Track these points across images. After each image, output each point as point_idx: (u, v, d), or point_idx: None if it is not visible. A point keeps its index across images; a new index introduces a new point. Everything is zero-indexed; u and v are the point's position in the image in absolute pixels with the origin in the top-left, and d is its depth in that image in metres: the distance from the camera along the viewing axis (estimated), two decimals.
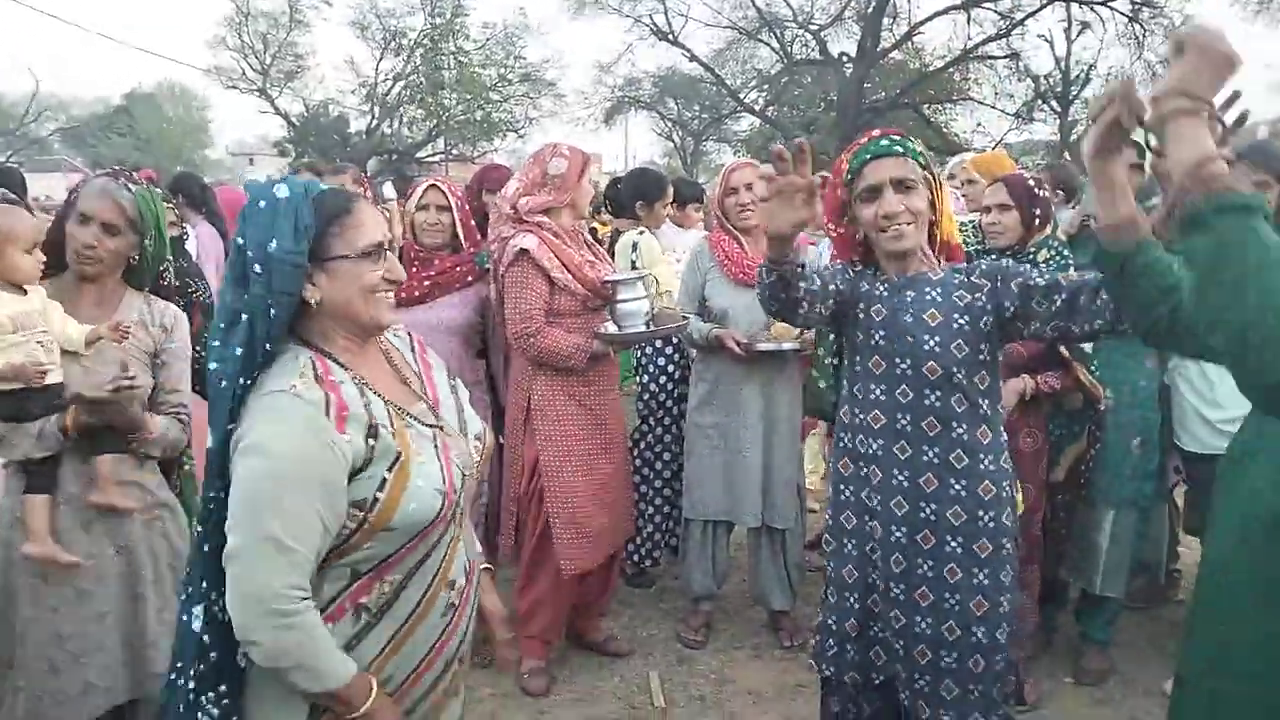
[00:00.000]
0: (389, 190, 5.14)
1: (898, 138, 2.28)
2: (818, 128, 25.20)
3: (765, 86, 27.90)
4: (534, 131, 29.72)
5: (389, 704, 1.64)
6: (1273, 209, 2.98)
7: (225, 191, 6.47)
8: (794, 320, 2.29)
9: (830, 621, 2.38)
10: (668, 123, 31.15)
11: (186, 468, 2.76)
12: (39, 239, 2.38)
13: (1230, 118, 1.54)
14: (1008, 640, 2.23)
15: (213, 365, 1.56)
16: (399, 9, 28.29)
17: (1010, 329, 2.21)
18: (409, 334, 1.93)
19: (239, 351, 1.54)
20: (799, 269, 2.11)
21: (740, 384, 3.64)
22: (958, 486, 2.20)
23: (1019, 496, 2.40)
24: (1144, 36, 23.01)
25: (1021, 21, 23.81)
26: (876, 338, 2.25)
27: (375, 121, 29.24)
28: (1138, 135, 1.52)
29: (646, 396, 4.26)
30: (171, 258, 2.69)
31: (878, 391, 2.25)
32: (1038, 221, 3.32)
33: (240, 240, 1.56)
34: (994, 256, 3.33)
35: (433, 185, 3.62)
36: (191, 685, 1.58)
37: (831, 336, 2.50)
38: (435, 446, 1.69)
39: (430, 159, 30.21)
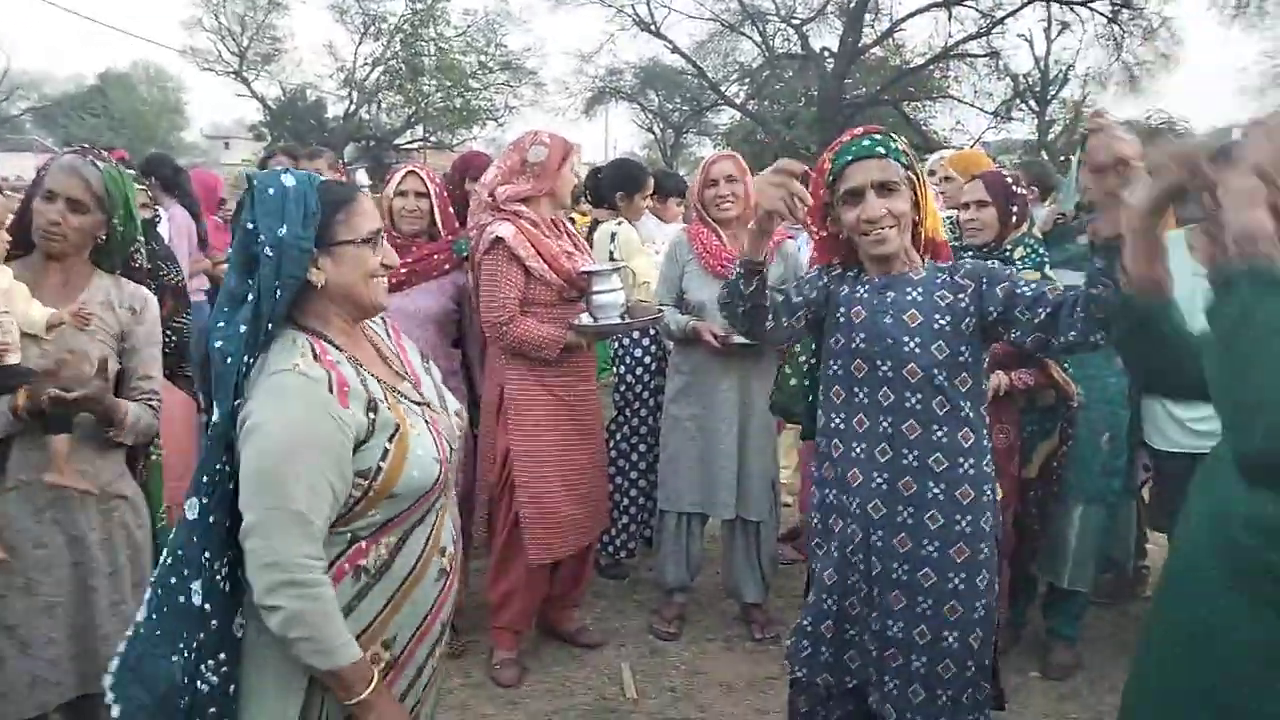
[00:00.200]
0: (362, 177, 5.11)
1: (880, 137, 2.25)
2: (798, 122, 25.24)
3: (747, 80, 27.93)
4: (514, 120, 29.64)
5: (388, 694, 1.71)
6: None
7: (199, 174, 6.38)
8: (761, 334, 2.31)
9: (806, 623, 2.37)
10: (648, 114, 31.09)
11: (154, 457, 2.68)
12: (5, 219, 2.33)
13: None
14: (981, 645, 2.22)
15: (217, 343, 1.62)
16: None
17: (993, 331, 2.20)
18: (383, 318, 1.97)
19: (243, 329, 1.62)
20: (765, 277, 2.21)
21: (717, 377, 3.64)
22: (936, 490, 2.19)
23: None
24: (1123, 37, 23.26)
25: (1002, 20, 23.98)
26: (857, 340, 2.24)
27: (353, 107, 29.04)
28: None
29: (623, 388, 4.26)
30: (143, 239, 2.64)
31: (860, 394, 2.25)
32: (1014, 218, 3.35)
33: (250, 224, 1.64)
34: (971, 253, 3.35)
35: (411, 172, 3.59)
36: (191, 656, 1.62)
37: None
38: (425, 420, 1.79)
39: (408, 146, 30.02)
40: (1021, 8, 23.68)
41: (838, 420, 2.30)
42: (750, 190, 3.81)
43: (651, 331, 4.11)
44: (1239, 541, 1.41)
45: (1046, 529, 3.50)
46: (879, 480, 2.22)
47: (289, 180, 1.68)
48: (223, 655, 1.65)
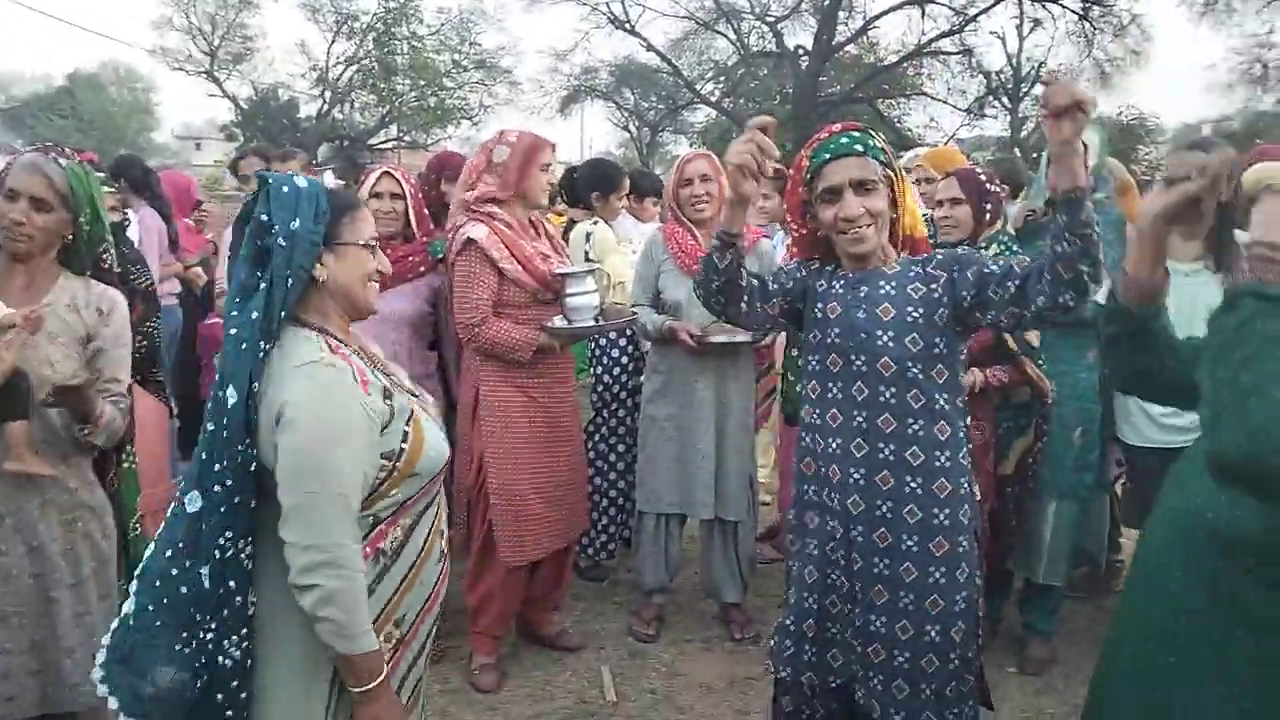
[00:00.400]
0: (329, 179, 5.04)
1: (858, 134, 2.25)
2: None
3: (722, 78, 27.95)
4: (489, 119, 29.50)
5: (390, 690, 1.81)
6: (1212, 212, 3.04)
7: (172, 175, 6.30)
8: (736, 316, 2.32)
9: (788, 621, 2.37)
10: (624, 113, 31.05)
11: (126, 465, 2.65)
12: None
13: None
14: (964, 638, 2.22)
15: (231, 330, 1.72)
16: None
17: (969, 319, 2.20)
18: None
19: (255, 316, 1.71)
20: (740, 251, 2.20)
21: (694, 376, 3.63)
22: (914, 484, 2.19)
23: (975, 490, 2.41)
24: (1094, 34, 23.45)
25: (974, 18, 24.14)
26: (832, 335, 2.24)
27: (326, 106, 28.80)
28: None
29: (600, 389, 4.24)
30: (112, 240, 2.60)
31: (835, 389, 2.25)
32: (988, 216, 3.36)
33: (264, 217, 1.75)
34: (959, 249, 3.37)
35: (386, 173, 3.56)
36: (210, 635, 1.70)
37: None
38: (422, 408, 1.93)
39: (383, 146, 29.83)
40: (993, 5, 23.84)
41: (815, 415, 2.31)
42: (725, 189, 3.81)
43: (628, 332, 4.10)
44: (1205, 542, 1.43)
45: (1022, 525, 3.52)
46: (857, 476, 2.22)
47: (301, 181, 1.80)
48: (244, 631, 1.72)
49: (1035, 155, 16.50)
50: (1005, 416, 3.43)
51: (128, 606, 1.79)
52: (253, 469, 1.71)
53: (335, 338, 1.83)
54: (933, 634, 2.19)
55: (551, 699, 3.36)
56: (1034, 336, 3.32)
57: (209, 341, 5.56)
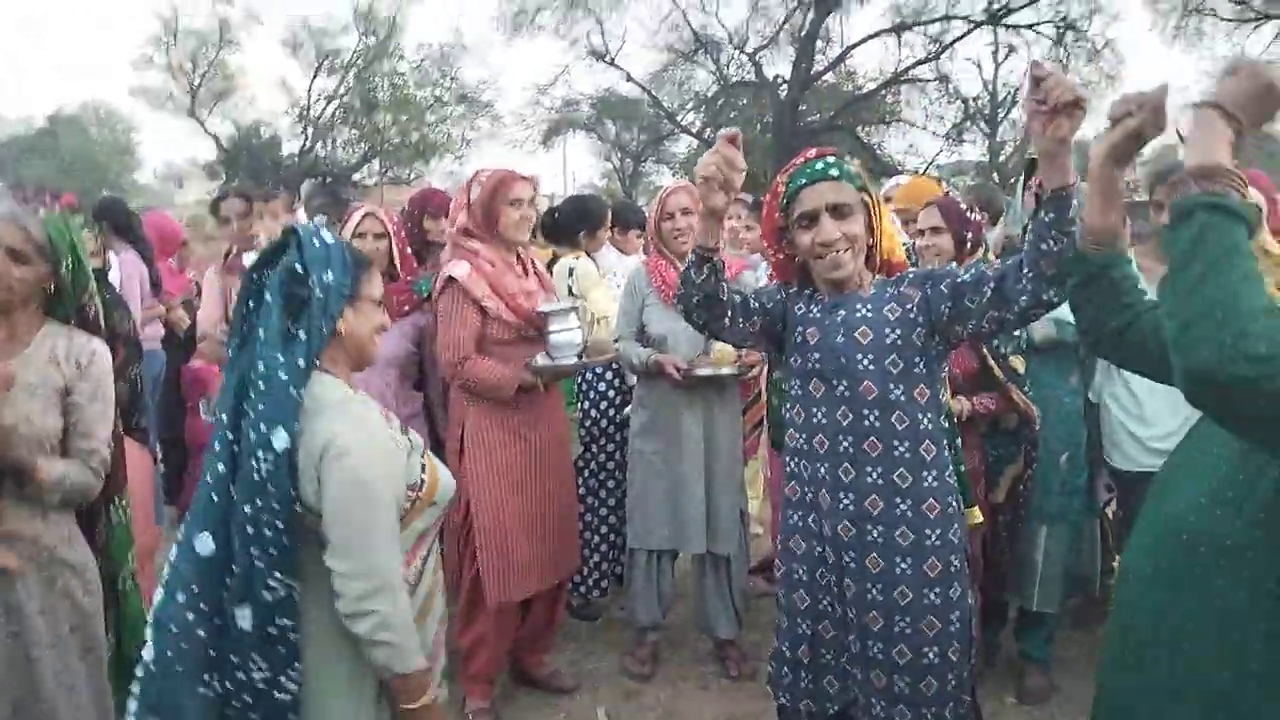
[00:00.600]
0: (319, 221, 5.01)
1: (833, 159, 2.26)
2: (754, 149, 25.46)
3: (702, 108, 28.15)
4: (471, 153, 29.60)
5: (439, 706, 1.90)
6: None
7: (157, 218, 6.29)
8: (719, 331, 2.31)
9: (783, 648, 2.36)
10: (606, 144, 31.22)
11: (116, 519, 2.59)
12: None
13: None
14: (960, 658, 2.21)
15: (283, 376, 1.78)
16: (332, 28, 28.04)
17: (949, 333, 2.19)
18: None
19: (301, 363, 1.80)
20: (722, 267, 2.20)
21: (681, 410, 3.61)
22: (904, 506, 2.18)
23: (971, 514, 2.40)
24: (1068, 59, 23.75)
25: (950, 45, 24.45)
26: (813, 361, 2.25)
27: (308, 143, 28.83)
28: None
29: (588, 423, 4.22)
30: (96, 288, 2.57)
31: (819, 415, 2.25)
32: (969, 244, 3.37)
33: (299, 268, 1.83)
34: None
35: (369, 213, 3.55)
36: (266, 672, 1.75)
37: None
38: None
39: (366, 181, 29.87)
40: (968, 33, 24.18)
41: (801, 441, 2.30)
42: None
43: (614, 365, 4.08)
44: (1185, 550, 1.43)
45: (1015, 553, 3.51)
46: (846, 501, 2.21)
47: (328, 236, 1.91)
48: (298, 664, 1.78)
49: (1013, 180, 16.68)
50: (995, 444, 3.42)
51: (146, 654, 1.81)
52: (294, 510, 1.77)
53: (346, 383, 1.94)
54: (931, 656, 2.17)
55: None
56: (1019, 362, 3.32)
57: (193, 384, 5.52)
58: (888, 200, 4.76)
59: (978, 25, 23.90)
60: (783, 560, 2.39)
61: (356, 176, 29.69)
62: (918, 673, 2.17)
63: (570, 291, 4.28)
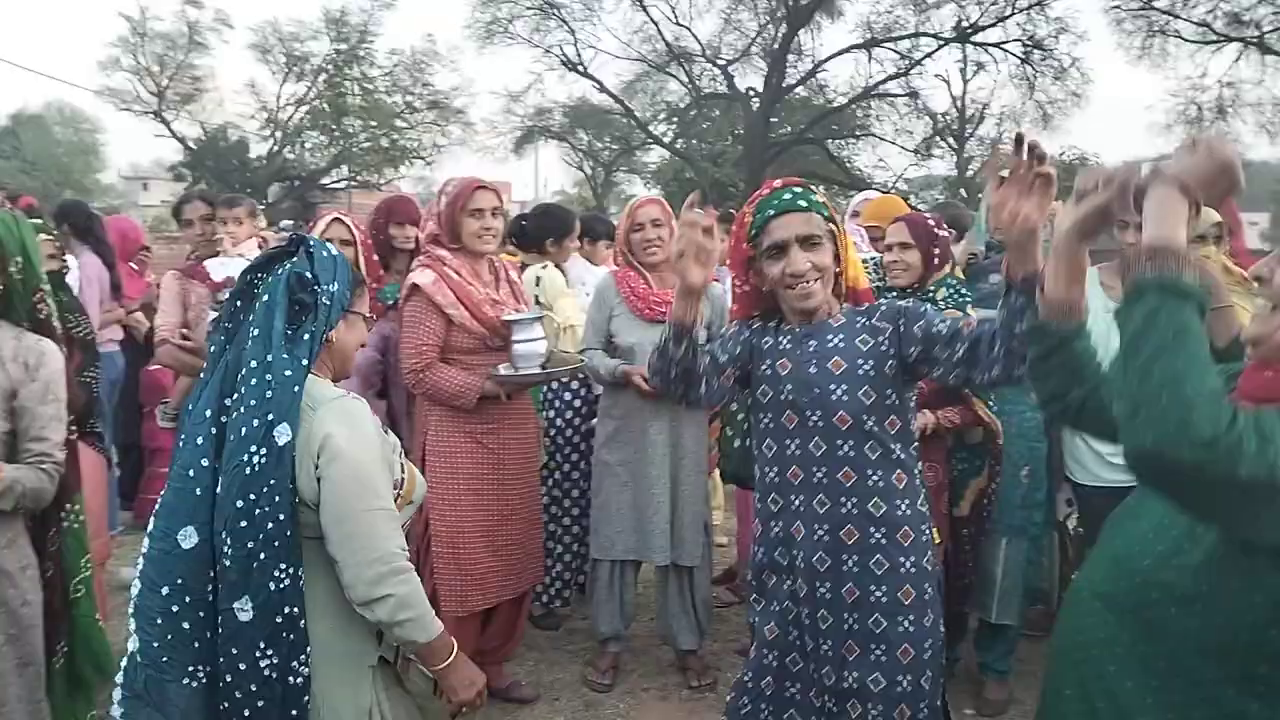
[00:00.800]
0: (263, 222, 4.90)
1: (800, 190, 2.26)
2: (725, 161, 25.63)
3: (674, 119, 28.25)
4: (443, 159, 29.47)
5: (463, 656, 1.99)
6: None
7: (118, 221, 6.21)
8: (696, 399, 2.29)
9: (746, 678, 2.34)
10: (578, 153, 31.22)
11: (68, 523, 2.53)
12: None
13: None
14: (933, 686, 2.20)
15: (288, 373, 1.83)
16: (302, 33, 27.83)
17: (916, 371, 2.21)
18: None
19: (305, 363, 1.87)
20: (696, 339, 2.17)
21: (647, 421, 3.61)
22: (878, 535, 2.17)
23: (935, 533, 2.40)
24: (1035, 77, 24.13)
25: (919, 62, 24.73)
26: (785, 392, 2.22)
27: (276, 147, 28.57)
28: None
29: (553, 433, 4.20)
30: (49, 288, 2.52)
31: (793, 446, 2.23)
32: (937, 260, 3.40)
33: (309, 274, 1.92)
34: (895, 294, 3.39)
35: (336, 219, 3.53)
36: (275, 660, 1.80)
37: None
38: None
39: (334, 185, 29.65)
40: (937, 50, 24.47)
41: (773, 474, 2.28)
42: (676, 233, 3.82)
43: (580, 375, 4.07)
44: (1136, 591, 1.45)
45: (977, 566, 3.53)
46: (821, 532, 2.20)
47: (333, 250, 2.00)
48: (309, 649, 1.83)
49: (979, 195, 16.88)
50: (959, 458, 3.44)
51: (131, 645, 1.84)
52: (295, 501, 1.82)
53: None
54: (905, 684, 2.16)
55: None
56: None
57: (151, 389, 5.44)
58: (855, 215, 4.80)
59: (946, 43, 24.20)
60: (757, 593, 2.36)
61: (325, 181, 29.47)
62: (891, 701, 2.16)
63: (537, 301, 4.27)
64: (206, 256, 3.87)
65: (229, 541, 1.78)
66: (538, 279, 4.37)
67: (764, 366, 2.28)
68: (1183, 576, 1.38)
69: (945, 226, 3.56)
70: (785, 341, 2.27)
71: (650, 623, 4.11)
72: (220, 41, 27.86)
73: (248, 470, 1.77)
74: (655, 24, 25.46)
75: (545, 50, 25.98)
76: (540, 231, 4.61)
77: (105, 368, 5.17)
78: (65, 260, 4.57)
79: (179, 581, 1.79)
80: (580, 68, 26.09)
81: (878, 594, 2.17)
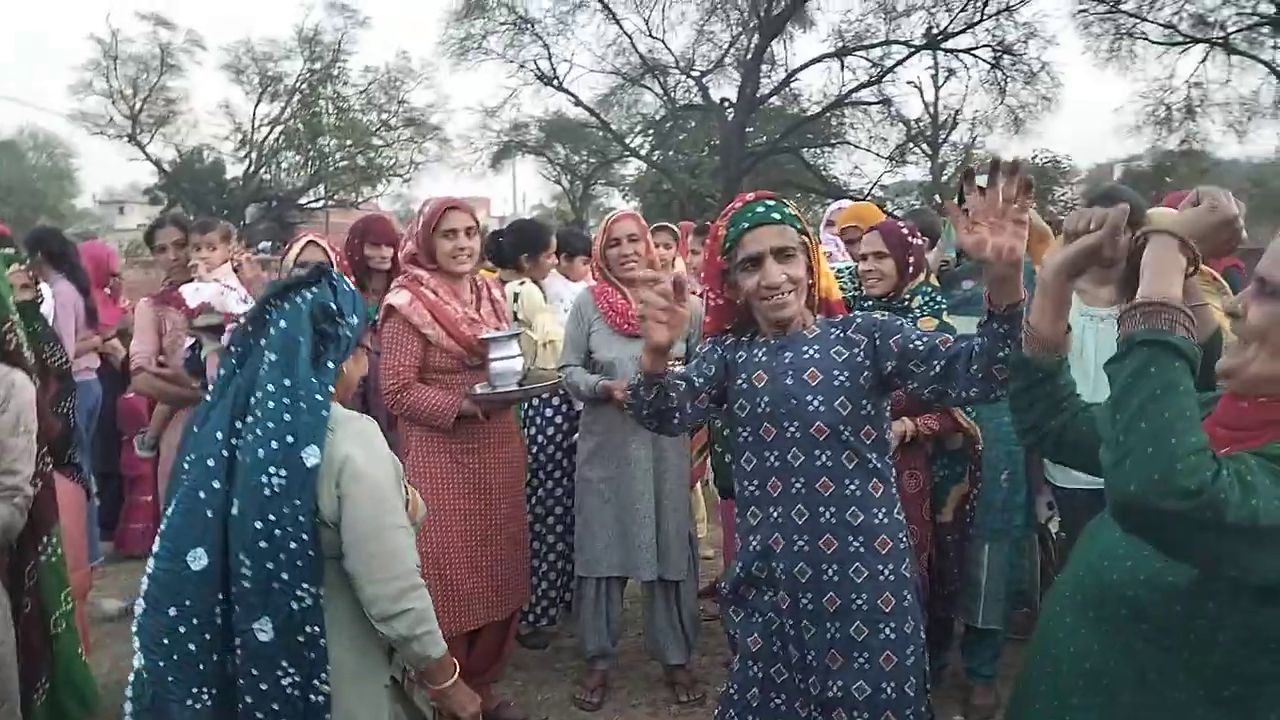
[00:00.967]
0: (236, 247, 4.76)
1: (774, 203, 2.28)
2: (702, 171, 25.72)
3: (650, 131, 28.34)
4: (420, 177, 29.45)
5: (464, 684, 2.05)
6: (1124, 257, 3.14)
7: (91, 247, 6.15)
8: (671, 430, 2.30)
9: (732, 691, 2.33)
10: (556, 167, 31.26)
11: (45, 557, 2.49)
12: None
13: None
14: (917, 694, 2.21)
15: (319, 398, 1.91)
16: (275, 53, 27.79)
17: (890, 383, 2.23)
18: None
19: (331, 389, 1.95)
20: (670, 379, 2.17)
21: (629, 436, 3.60)
22: (856, 543, 2.18)
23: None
24: (1006, 82, 24.36)
25: (891, 69, 24.92)
26: (762, 404, 2.23)
27: (252, 168, 28.47)
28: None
29: (535, 450, 4.19)
30: (18, 318, 2.50)
31: (772, 458, 2.23)
32: (911, 269, 3.42)
33: (334, 305, 1.99)
34: (870, 304, 3.41)
35: (311, 241, 3.52)
36: (297, 679, 1.83)
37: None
38: None
39: (312, 205, 29.56)
40: (908, 57, 24.68)
41: (752, 487, 2.28)
42: (652, 248, 3.84)
43: (561, 392, 4.06)
44: (1108, 606, 1.47)
45: (962, 571, 3.54)
46: (801, 543, 2.20)
47: (351, 284, 2.10)
48: (329, 666, 1.86)
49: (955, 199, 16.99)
50: (940, 464, 3.46)
51: (138, 662, 1.84)
52: (316, 522, 1.86)
53: None
54: (889, 691, 2.17)
55: None
56: None
57: (129, 417, 5.40)
58: (830, 225, 4.83)
59: (917, 50, 24.40)
60: (736, 606, 2.36)
61: (302, 201, 29.38)
62: (876, 708, 2.16)
63: (515, 317, 4.26)
64: (181, 282, 3.84)
65: (247, 563, 1.80)
66: (515, 295, 4.37)
67: (740, 380, 2.28)
68: (1154, 594, 1.40)
69: (919, 234, 3.59)
70: (760, 354, 2.28)
71: (637, 638, 4.10)
72: (193, 63, 27.86)
73: (266, 492, 1.81)
74: (629, 37, 25.59)
75: (520, 65, 26.07)
76: (516, 248, 4.61)
77: (82, 396, 5.11)
78: (39, 289, 4.53)
79: (187, 603, 1.80)
80: (555, 82, 26.15)
81: (859, 602, 2.18)
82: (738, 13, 25.38)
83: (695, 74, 26.20)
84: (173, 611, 1.80)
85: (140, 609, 1.85)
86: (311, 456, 1.84)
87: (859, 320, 2.29)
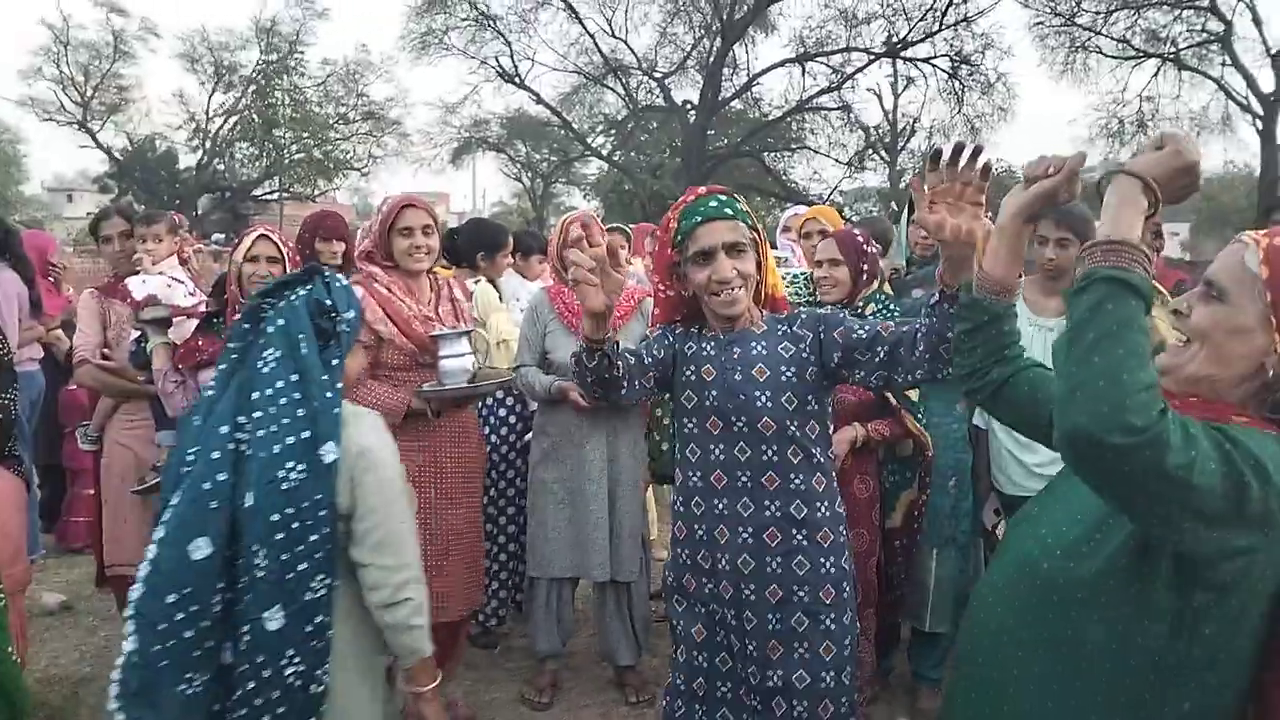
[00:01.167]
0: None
1: (726, 198, 2.30)
2: (664, 172, 25.77)
3: (612, 131, 28.34)
4: (378, 170, 29.16)
5: (437, 694, 2.08)
6: (1072, 266, 3.20)
7: (30, 235, 6.01)
8: (617, 400, 2.31)
9: (678, 681, 2.36)
10: (516, 165, 31.13)
11: None
12: None
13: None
14: (852, 681, 2.26)
15: (329, 396, 1.96)
16: (232, 42, 27.36)
17: (837, 376, 2.26)
18: None
19: (339, 386, 2.00)
20: (615, 345, 2.17)
21: (584, 437, 3.60)
22: (800, 537, 2.22)
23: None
24: (963, 92, 24.71)
25: (851, 76, 25.19)
26: (710, 398, 2.26)
27: (206, 158, 27.99)
28: None
29: (488, 450, 4.16)
30: None
31: (717, 451, 2.26)
32: (865, 276, 3.45)
33: (329, 302, 2.04)
34: (825, 310, 3.44)
35: (263, 235, 3.45)
36: (301, 668, 1.86)
37: (668, 397, 2.52)
38: None
39: (267, 197, 29.13)
40: (868, 64, 24.98)
41: (696, 478, 2.31)
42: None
43: (515, 392, 4.05)
44: (1038, 593, 1.49)
45: (911, 577, 3.58)
46: (745, 535, 2.24)
47: (345, 282, 2.13)
48: (330, 660, 1.89)
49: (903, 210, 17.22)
50: (890, 471, 3.49)
51: (129, 645, 1.85)
52: (335, 515, 1.91)
53: None
54: (828, 680, 2.22)
55: None
56: (913, 392, 3.40)
57: (71, 409, 5.29)
58: (787, 230, 4.86)
59: (877, 58, 24.70)
60: (679, 596, 2.39)
61: (257, 192, 28.94)
62: (815, 696, 2.21)
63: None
64: (127, 274, 3.77)
65: (262, 554, 1.83)
66: (470, 294, 4.34)
67: (688, 372, 2.30)
68: (1081, 582, 1.43)
69: (873, 242, 3.62)
70: (709, 348, 2.30)
71: (588, 639, 4.10)
72: (147, 51, 27.43)
73: (284, 485, 1.85)
74: (591, 36, 25.59)
75: (481, 62, 25.94)
76: (471, 246, 4.58)
77: (25, 387, 5.00)
78: None
79: (187, 590, 1.82)
80: (517, 79, 26.05)
81: (800, 594, 2.22)
82: (700, 15, 25.49)
83: (657, 75, 26.28)
84: (171, 598, 1.82)
85: (138, 591, 1.87)
86: (330, 453, 1.90)
87: (804, 316, 2.32)
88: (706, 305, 2.30)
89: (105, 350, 3.68)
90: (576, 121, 27.75)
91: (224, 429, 1.90)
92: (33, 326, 5.12)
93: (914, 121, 26.47)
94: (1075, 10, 22.58)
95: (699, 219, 2.25)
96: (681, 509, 2.36)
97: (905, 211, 3.90)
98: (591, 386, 2.23)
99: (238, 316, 2.09)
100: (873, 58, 24.73)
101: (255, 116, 27.50)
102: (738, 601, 2.26)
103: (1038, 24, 23.03)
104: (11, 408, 3.18)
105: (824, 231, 4.32)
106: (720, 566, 2.27)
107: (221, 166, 28.78)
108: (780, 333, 2.29)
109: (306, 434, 1.88)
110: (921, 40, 24.12)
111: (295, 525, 1.84)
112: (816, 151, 26.78)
